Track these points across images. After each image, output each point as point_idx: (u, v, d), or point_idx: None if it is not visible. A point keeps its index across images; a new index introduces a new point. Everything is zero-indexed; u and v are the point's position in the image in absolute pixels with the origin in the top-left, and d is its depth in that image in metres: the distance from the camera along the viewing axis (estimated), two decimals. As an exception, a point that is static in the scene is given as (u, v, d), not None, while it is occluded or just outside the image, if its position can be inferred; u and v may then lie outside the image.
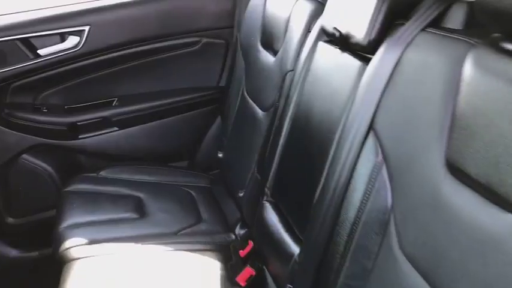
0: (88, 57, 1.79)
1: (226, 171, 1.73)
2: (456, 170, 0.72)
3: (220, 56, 1.92)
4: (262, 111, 1.46)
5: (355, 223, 0.91)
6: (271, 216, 1.25)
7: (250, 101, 1.56)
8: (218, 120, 1.94)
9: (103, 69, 1.86)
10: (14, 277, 1.75)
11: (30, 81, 1.77)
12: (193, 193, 1.68)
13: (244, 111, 1.61)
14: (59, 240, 1.37)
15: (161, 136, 1.91)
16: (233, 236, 1.48)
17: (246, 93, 1.61)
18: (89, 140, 1.84)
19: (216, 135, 1.93)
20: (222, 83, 1.95)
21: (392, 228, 0.84)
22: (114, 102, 1.88)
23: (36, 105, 1.81)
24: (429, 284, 0.74)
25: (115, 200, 1.57)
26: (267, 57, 1.48)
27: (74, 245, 1.34)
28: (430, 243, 0.75)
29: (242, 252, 1.39)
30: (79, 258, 1.30)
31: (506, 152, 0.64)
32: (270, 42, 1.47)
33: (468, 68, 0.72)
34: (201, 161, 1.97)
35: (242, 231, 1.47)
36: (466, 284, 0.67)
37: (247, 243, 1.40)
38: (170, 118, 1.90)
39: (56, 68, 1.78)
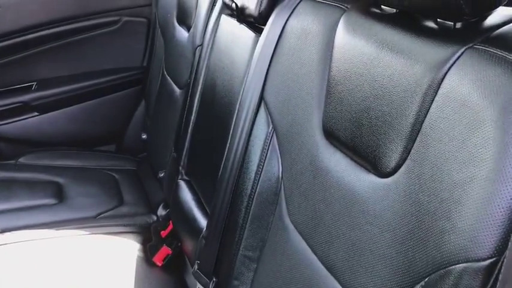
0: (1, 40, 1.71)
1: (150, 153, 1.70)
2: (330, 135, 0.73)
3: (142, 35, 1.87)
4: (179, 88, 1.44)
5: (251, 194, 0.91)
6: (185, 195, 1.24)
7: (169, 79, 1.53)
8: (144, 101, 1.90)
9: (19, 51, 1.78)
10: None
11: None
12: (117, 176, 1.65)
13: (163, 90, 1.58)
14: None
15: (85, 120, 1.86)
16: (154, 217, 1.46)
17: (165, 72, 1.58)
18: (8, 126, 1.77)
19: (142, 117, 1.90)
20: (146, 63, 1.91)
21: (282, 196, 0.85)
22: (34, 87, 1.81)
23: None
24: (310, 247, 0.75)
25: (32, 186, 1.51)
26: (181, 33, 1.45)
27: (-18, 232, 1.29)
28: (310, 208, 0.76)
29: (163, 233, 1.38)
30: (-11, 248, 1.26)
31: (367, 114, 0.64)
32: (184, 17, 1.45)
33: (339, 33, 0.73)
34: (128, 144, 1.93)
35: (164, 212, 1.45)
36: (338, 246, 0.68)
37: (169, 224, 1.39)
38: (93, 101, 1.85)
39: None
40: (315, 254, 0.74)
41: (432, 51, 0.57)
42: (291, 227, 0.81)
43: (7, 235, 1.30)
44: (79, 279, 1.17)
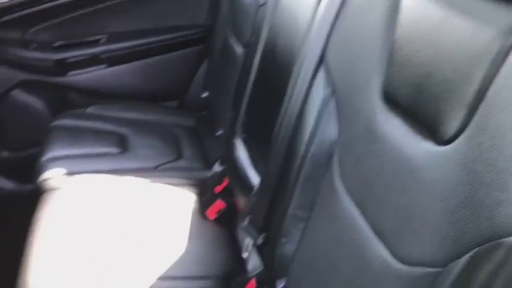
0: (74, -6, 1.78)
1: (210, 111, 1.73)
2: (389, 100, 0.71)
3: (210, -8, 1.88)
4: (241, 47, 1.45)
5: (304, 155, 0.91)
6: (241, 153, 1.26)
7: (232, 37, 1.54)
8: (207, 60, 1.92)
9: (92, 5, 1.85)
10: (11, 209, 1.83)
11: (18, 16, 1.77)
12: (177, 131, 1.70)
13: (226, 48, 1.59)
14: (39, 171, 1.41)
15: (150, 75, 1.91)
16: (210, 173, 1.50)
17: (228, 30, 1.59)
18: (78, 77, 1.86)
19: (205, 76, 1.93)
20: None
21: (335, 160, 0.85)
22: (103, 40, 1.87)
23: (25, 41, 1.82)
24: (359, 211, 0.75)
25: (98, 135, 1.59)
26: (246, -9, 1.45)
27: (53, 176, 1.38)
28: (362, 173, 0.75)
29: (218, 188, 1.42)
30: (56, 189, 1.34)
31: (429, 79, 0.62)
32: (250, -25, 1.43)
33: (407, -6, 0.70)
34: (190, 101, 1.97)
35: (219, 169, 1.49)
36: (387, 212, 0.68)
37: (224, 180, 1.42)
38: (159, 57, 1.89)
39: (44, 3, 1.77)
40: (364, 219, 0.73)
41: (504, 15, 0.54)
42: (341, 190, 0.81)
43: (73, 178, 1.39)
44: (136, 224, 1.23)
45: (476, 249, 0.51)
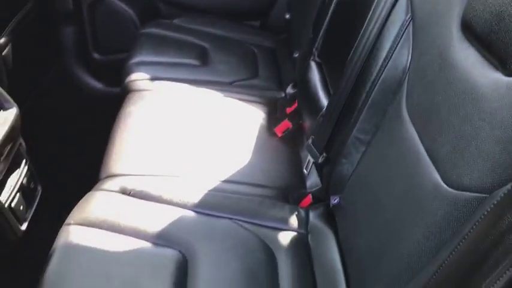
0: None
1: (290, 33, 1.74)
2: (466, 28, 0.70)
3: None
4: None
5: (375, 80, 0.93)
6: (314, 75, 1.29)
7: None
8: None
9: None
10: (99, 108, 1.99)
11: None
12: (256, 51, 1.74)
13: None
14: (126, 73, 1.53)
15: (236, -9, 1.94)
16: (283, 94, 1.55)
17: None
18: (168, -13, 1.92)
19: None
20: None
21: (404, 87, 0.86)
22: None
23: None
24: (419, 138, 0.77)
25: (181, 46, 1.67)
26: None
27: (137, 79, 1.49)
28: (428, 100, 0.76)
29: (288, 110, 1.46)
30: (140, 91, 1.45)
31: (511, 8, 0.61)
32: None
33: None
34: (272, 22, 1.98)
35: (292, 91, 1.53)
36: (446, 138, 0.70)
37: (294, 103, 1.47)
38: (245, -24, 1.91)
39: None
40: (423, 144, 0.76)
41: None
42: (406, 117, 0.82)
43: (156, 83, 1.49)
44: (208, 131, 1.32)
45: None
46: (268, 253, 1.01)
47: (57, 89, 1.88)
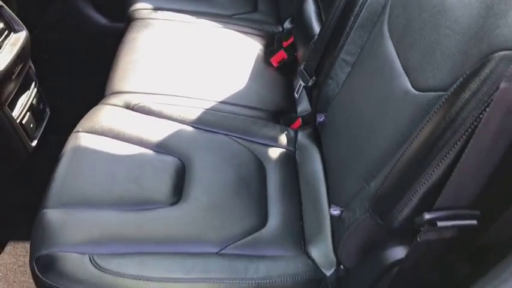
0: None
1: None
2: None
3: None
4: None
5: (362, 4, 1.00)
6: (309, 6, 1.36)
7: None
8: None
9: None
10: (103, 42, 2.05)
11: None
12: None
13: None
14: (130, 3, 1.58)
15: None
16: (280, 29, 1.61)
17: None
18: None
19: None
20: None
21: (387, 9, 0.93)
22: None
23: None
24: (396, 51, 0.85)
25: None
26: None
27: (141, 8, 1.55)
28: (405, 16, 0.84)
29: (284, 43, 1.53)
30: (143, 19, 1.52)
31: None
32: None
33: None
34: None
35: (289, 26, 1.59)
36: (417, 48, 0.78)
37: (291, 37, 1.53)
38: None
39: None
40: (398, 57, 0.84)
41: None
42: (386, 34, 0.90)
43: (158, 12, 1.55)
44: (207, 59, 1.39)
45: (474, 68, 0.61)
46: (259, 165, 1.11)
47: (64, 21, 1.94)
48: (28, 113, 1.45)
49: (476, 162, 0.58)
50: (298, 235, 0.98)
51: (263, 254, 0.93)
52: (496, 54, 0.57)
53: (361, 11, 1.00)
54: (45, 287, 0.85)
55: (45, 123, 1.52)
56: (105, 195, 0.97)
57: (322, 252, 0.94)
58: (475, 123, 0.59)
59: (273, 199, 1.04)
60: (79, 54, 1.90)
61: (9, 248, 1.42)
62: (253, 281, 0.87)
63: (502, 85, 0.52)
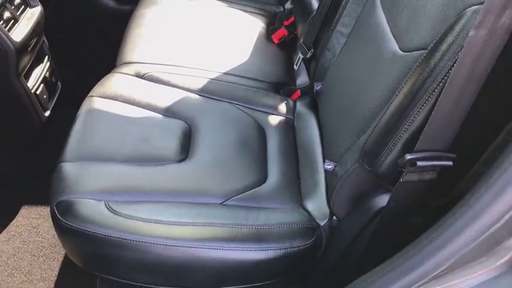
0: None
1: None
2: None
3: None
4: None
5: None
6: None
7: None
8: None
9: None
10: (111, 23, 2.12)
11: None
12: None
13: None
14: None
15: None
16: (282, 8, 1.69)
17: None
18: None
19: None
20: None
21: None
22: None
23: None
24: (387, 20, 0.93)
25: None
26: None
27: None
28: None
29: (285, 22, 1.61)
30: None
31: None
32: None
33: None
34: None
35: (290, 6, 1.67)
36: (405, 14, 0.86)
37: (291, 16, 1.61)
38: None
39: None
40: (388, 24, 0.92)
41: None
42: (378, 4, 0.99)
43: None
44: (211, 35, 1.47)
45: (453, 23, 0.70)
46: (260, 130, 1.20)
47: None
48: (42, 85, 1.54)
49: (450, 106, 0.67)
50: (295, 191, 1.07)
51: (263, 206, 1.02)
52: (468, 9, 0.65)
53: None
54: (64, 228, 0.93)
55: (57, 95, 1.60)
56: (117, 152, 1.05)
57: (316, 204, 1.02)
58: (450, 71, 0.67)
59: (272, 159, 1.13)
60: (88, 32, 1.97)
61: (23, 211, 1.51)
62: (253, 227, 0.96)
63: (471, 33, 0.60)
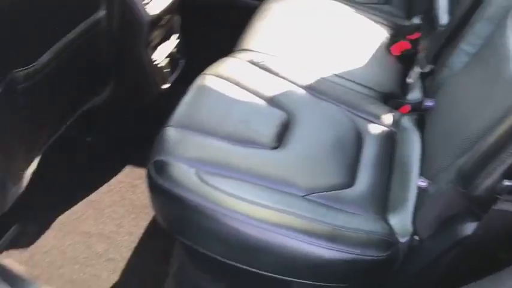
0: None
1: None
2: None
3: None
4: None
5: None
6: (441, 1, 1.38)
7: None
8: None
9: None
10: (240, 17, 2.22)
11: None
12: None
13: None
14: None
15: None
16: (408, 23, 1.65)
17: None
18: None
19: None
20: None
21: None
22: None
23: None
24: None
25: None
26: None
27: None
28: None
29: (409, 36, 1.57)
30: None
31: None
32: None
33: None
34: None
35: (417, 22, 1.62)
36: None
37: (416, 31, 1.56)
38: None
39: None
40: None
41: None
42: (509, 24, 0.93)
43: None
44: (332, 36, 1.48)
45: None
46: (358, 135, 1.18)
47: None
48: (166, 59, 1.66)
49: None
50: (381, 201, 1.04)
51: (344, 209, 1.00)
52: None
53: (490, 4, 1.03)
54: (155, 185, 1.00)
55: (179, 71, 1.71)
56: (218, 128, 1.10)
57: (401, 220, 0.99)
58: None
59: (364, 166, 1.11)
60: (217, 19, 2.08)
61: (127, 170, 1.64)
62: (330, 226, 0.95)
63: None
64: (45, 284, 1.17)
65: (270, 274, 0.99)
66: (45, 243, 1.41)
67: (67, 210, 1.49)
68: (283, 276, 0.99)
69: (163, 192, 1.00)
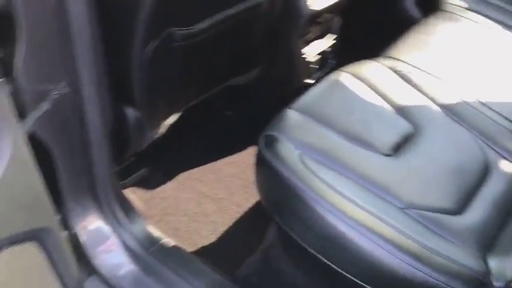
0: None
1: None
2: None
3: None
4: None
5: None
6: None
7: None
8: None
9: None
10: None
11: None
12: None
13: None
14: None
15: None
16: None
17: None
18: None
19: None
20: None
21: None
22: None
23: None
24: None
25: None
26: None
27: (454, 4, 1.60)
28: None
29: None
30: (451, 13, 1.55)
31: None
32: None
33: None
34: None
35: None
36: None
37: None
38: None
39: None
40: None
41: None
42: None
43: (468, 12, 1.57)
44: (486, 64, 1.37)
45: None
46: (485, 168, 1.09)
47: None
48: (317, 56, 1.71)
49: None
50: (488, 240, 0.95)
51: (442, 234, 0.94)
52: None
53: None
54: (261, 159, 1.05)
55: (326, 71, 1.75)
56: (337, 122, 1.11)
57: (501, 263, 0.89)
58: None
59: (482, 199, 1.02)
60: (380, 27, 2.04)
61: (252, 149, 1.70)
62: (419, 244, 0.90)
63: None
64: (155, 224, 1.29)
65: (348, 275, 0.98)
66: (165, 191, 1.56)
67: (190, 169, 1.63)
68: (360, 281, 0.96)
69: (266, 167, 1.04)
